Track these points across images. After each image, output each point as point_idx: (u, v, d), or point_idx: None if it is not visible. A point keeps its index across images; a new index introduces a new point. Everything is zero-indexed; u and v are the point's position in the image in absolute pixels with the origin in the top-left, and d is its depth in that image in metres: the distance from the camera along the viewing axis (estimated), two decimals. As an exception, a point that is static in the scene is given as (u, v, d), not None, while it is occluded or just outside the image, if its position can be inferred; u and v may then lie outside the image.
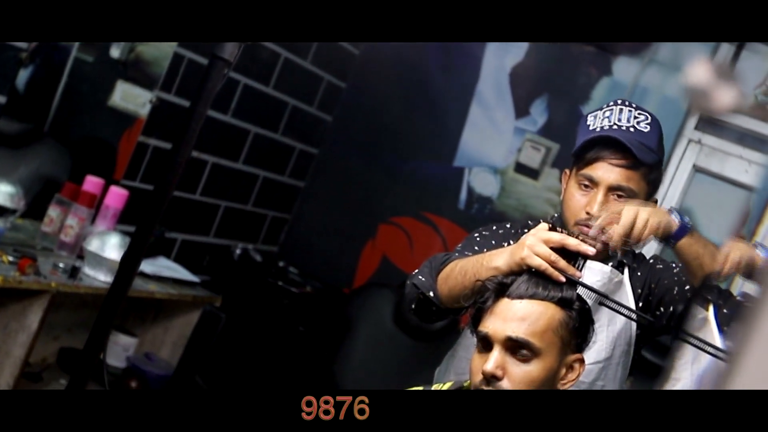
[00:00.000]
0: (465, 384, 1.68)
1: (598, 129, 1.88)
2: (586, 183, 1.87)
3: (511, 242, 1.82)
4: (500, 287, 1.58)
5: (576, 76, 3.72)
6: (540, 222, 1.99)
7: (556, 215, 2.04)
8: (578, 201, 1.87)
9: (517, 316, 1.53)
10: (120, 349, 3.19)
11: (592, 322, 1.61)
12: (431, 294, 1.86)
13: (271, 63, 3.72)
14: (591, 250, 1.60)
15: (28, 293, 2.56)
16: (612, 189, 1.84)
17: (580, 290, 1.60)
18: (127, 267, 1.48)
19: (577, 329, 1.57)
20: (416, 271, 1.93)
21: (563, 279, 1.57)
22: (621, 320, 1.87)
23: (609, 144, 1.85)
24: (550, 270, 1.57)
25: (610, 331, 1.86)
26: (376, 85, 4.13)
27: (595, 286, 1.70)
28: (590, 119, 1.93)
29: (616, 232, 1.67)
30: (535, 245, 1.60)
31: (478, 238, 1.99)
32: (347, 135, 4.19)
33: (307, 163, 4.21)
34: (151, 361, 3.22)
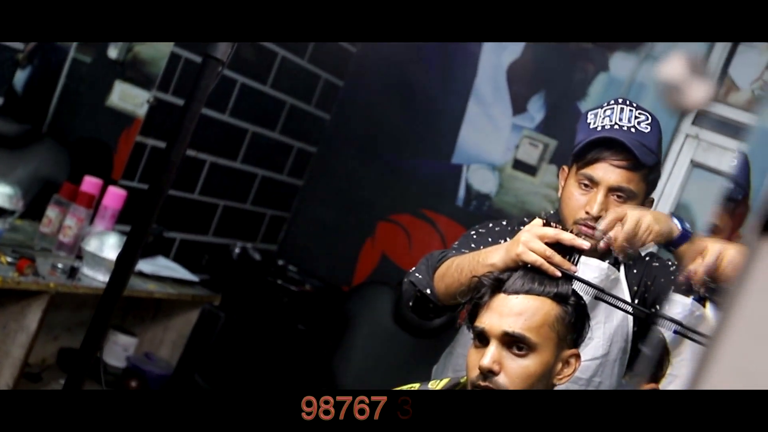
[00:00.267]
0: (462, 380, 1.68)
1: (599, 128, 1.89)
2: (586, 183, 1.87)
3: (508, 239, 1.82)
4: (496, 283, 1.59)
5: (573, 73, 3.72)
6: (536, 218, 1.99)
7: (552, 211, 2.04)
8: (577, 200, 1.88)
9: (514, 311, 1.54)
10: (119, 349, 3.19)
11: (587, 317, 1.62)
12: (428, 291, 1.87)
13: (269, 62, 3.72)
14: (585, 245, 1.62)
15: (27, 294, 2.56)
16: (612, 190, 1.85)
17: (576, 285, 1.61)
18: (123, 266, 1.48)
19: (573, 324, 1.58)
20: (413, 268, 1.94)
21: (559, 274, 1.58)
22: (618, 317, 1.87)
23: (610, 145, 1.85)
24: (546, 265, 1.58)
25: (607, 328, 1.87)
26: (374, 83, 4.13)
27: (592, 282, 1.70)
28: (590, 117, 1.93)
29: (619, 237, 1.67)
30: (530, 241, 1.60)
31: (474, 236, 1.99)
32: (345, 133, 4.19)
33: (305, 162, 4.21)
34: (150, 361, 3.22)
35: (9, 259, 2.55)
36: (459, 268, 1.78)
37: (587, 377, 1.85)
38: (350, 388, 3.25)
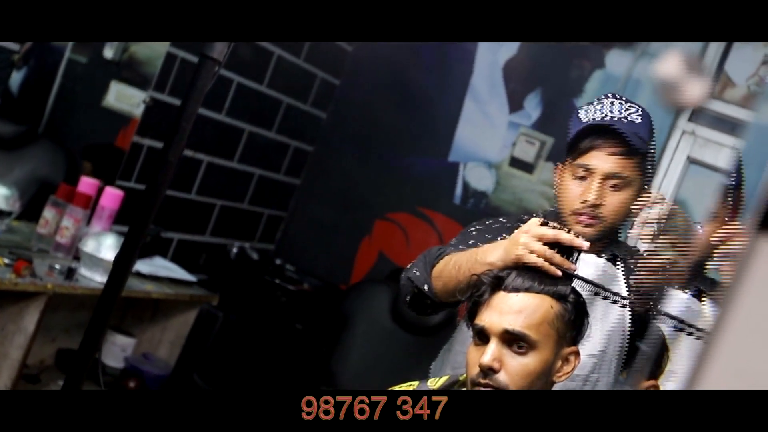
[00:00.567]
0: (461, 378, 1.69)
1: (590, 121, 1.90)
2: (581, 174, 1.88)
3: (506, 236, 1.83)
4: (496, 281, 1.59)
5: (569, 70, 3.72)
6: (533, 216, 2.00)
7: (550, 209, 2.05)
8: (573, 191, 1.89)
9: (514, 309, 1.54)
10: (118, 350, 3.19)
11: (587, 314, 1.63)
12: (425, 288, 1.88)
13: (265, 61, 3.72)
14: (585, 244, 1.62)
15: (25, 295, 2.56)
16: (607, 177, 1.86)
17: (576, 283, 1.62)
18: (121, 266, 1.48)
19: (572, 322, 1.58)
20: (411, 264, 1.95)
21: (560, 273, 1.59)
22: (615, 314, 1.88)
23: (603, 133, 1.87)
24: (547, 266, 1.59)
25: (604, 324, 1.87)
26: (370, 82, 4.13)
27: (589, 278, 1.71)
28: (582, 113, 1.94)
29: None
30: (530, 243, 1.61)
31: (472, 233, 2.00)
32: (342, 132, 4.19)
33: (302, 161, 4.21)
34: (149, 361, 3.22)
35: (6, 261, 2.54)
36: (457, 265, 1.79)
37: (585, 374, 1.86)
38: (349, 387, 3.25)
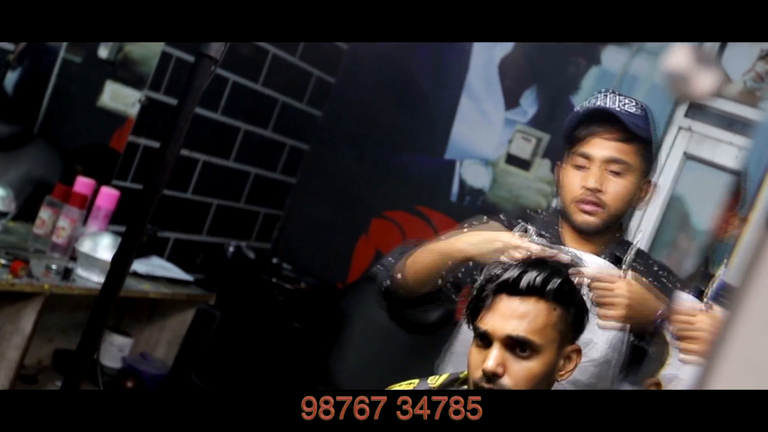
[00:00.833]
0: (461, 375, 1.68)
1: (587, 108, 1.92)
2: (581, 162, 1.88)
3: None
4: (499, 285, 1.58)
5: (565, 67, 3.72)
6: (533, 214, 2.00)
7: (555, 206, 2.05)
8: (573, 179, 1.89)
9: (517, 314, 1.54)
10: (115, 350, 3.18)
11: (587, 312, 1.63)
12: (398, 276, 1.93)
13: (260, 60, 3.71)
14: (565, 258, 1.68)
15: (22, 296, 2.56)
16: (607, 162, 1.86)
17: (576, 282, 1.62)
18: (118, 267, 1.47)
19: (574, 322, 1.58)
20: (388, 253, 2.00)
21: (567, 257, 1.61)
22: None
23: (600, 119, 1.87)
24: (544, 253, 1.63)
25: (606, 331, 1.86)
26: (366, 80, 4.12)
27: None
28: (578, 109, 1.95)
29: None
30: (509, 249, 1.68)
31: (467, 230, 2.00)
32: (338, 130, 4.19)
33: (298, 159, 4.20)
34: (146, 361, 3.21)
35: (3, 261, 2.54)
36: (428, 249, 1.86)
37: (586, 378, 1.85)
38: (347, 385, 3.25)
